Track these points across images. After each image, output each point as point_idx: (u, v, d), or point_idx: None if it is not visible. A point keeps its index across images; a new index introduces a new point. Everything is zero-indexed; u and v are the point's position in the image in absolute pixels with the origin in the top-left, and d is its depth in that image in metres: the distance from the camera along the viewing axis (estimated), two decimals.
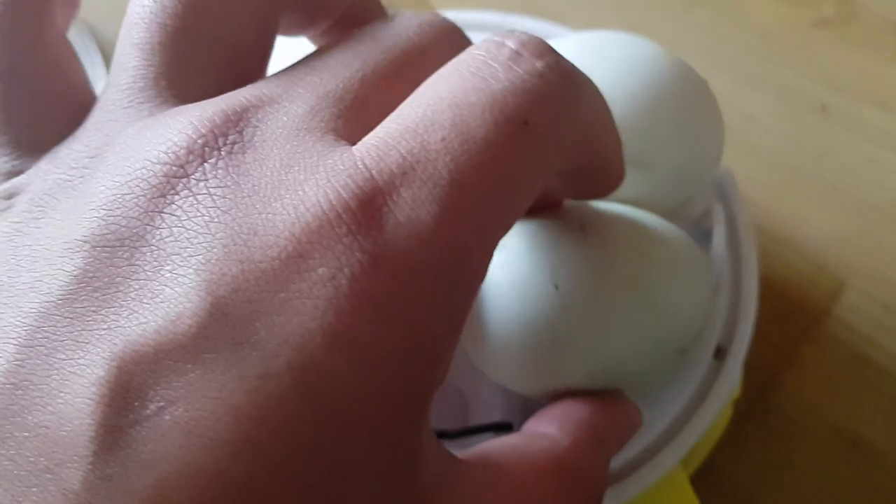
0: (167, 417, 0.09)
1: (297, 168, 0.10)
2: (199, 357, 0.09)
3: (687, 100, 0.19)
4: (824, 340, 0.27)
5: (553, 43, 0.20)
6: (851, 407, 0.26)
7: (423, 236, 0.10)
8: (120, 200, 0.10)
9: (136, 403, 0.09)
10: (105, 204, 0.10)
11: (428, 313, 0.10)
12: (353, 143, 0.11)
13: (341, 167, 0.10)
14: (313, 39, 0.14)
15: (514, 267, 0.16)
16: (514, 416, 0.20)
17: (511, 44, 0.11)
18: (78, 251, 0.10)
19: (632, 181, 0.19)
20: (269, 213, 0.10)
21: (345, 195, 0.10)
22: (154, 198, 0.10)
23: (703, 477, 0.25)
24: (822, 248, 0.29)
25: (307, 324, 0.09)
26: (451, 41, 0.13)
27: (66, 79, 0.12)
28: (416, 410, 0.10)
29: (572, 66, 0.12)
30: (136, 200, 0.10)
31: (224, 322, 0.09)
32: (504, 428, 0.20)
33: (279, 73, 0.12)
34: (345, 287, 0.09)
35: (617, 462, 0.19)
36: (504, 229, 0.11)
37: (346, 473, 0.09)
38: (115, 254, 0.10)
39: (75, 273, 0.10)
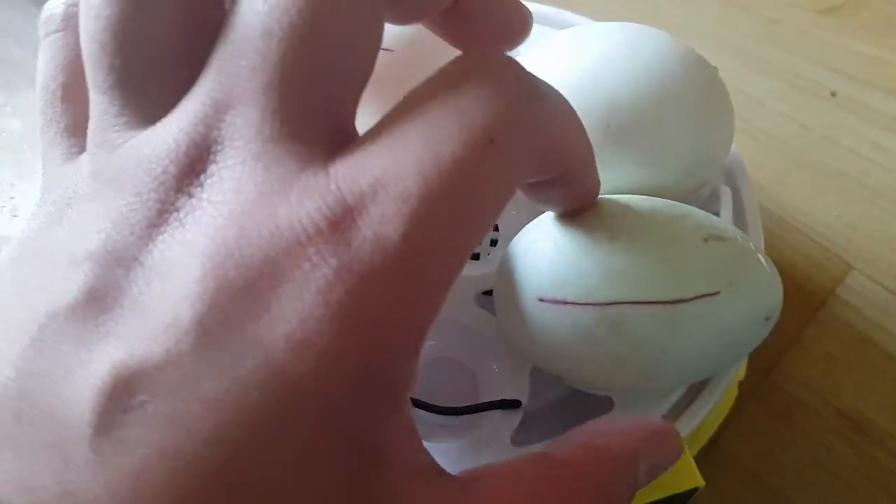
0: (150, 408, 0.10)
1: (270, 192, 0.11)
2: (180, 360, 0.10)
3: (698, 88, 0.19)
4: (829, 323, 0.27)
5: (563, 35, 0.21)
6: (856, 389, 0.26)
7: (387, 251, 0.11)
8: (118, 228, 0.11)
9: (126, 395, 0.10)
10: (105, 228, 0.11)
11: (388, 324, 0.11)
12: (316, 137, 0.11)
13: (314, 189, 0.11)
14: None
15: (552, 258, 0.17)
16: (523, 394, 0.20)
17: (478, 62, 0.12)
18: (81, 265, 0.11)
19: (645, 171, 0.19)
20: (246, 237, 0.11)
21: (316, 217, 0.11)
22: (147, 227, 0.11)
23: (708, 455, 0.25)
24: (828, 233, 0.29)
25: (273, 332, 0.10)
26: None
27: None
28: (379, 414, 0.11)
29: (536, 81, 0.12)
30: (132, 228, 0.11)
31: (202, 332, 0.10)
32: (512, 405, 0.20)
33: (214, 62, 0.12)
34: (309, 300, 0.10)
35: None
36: (471, 241, 0.12)
37: (305, 469, 0.11)
38: (113, 271, 0.11)
39: (79, 283, 0.11)
